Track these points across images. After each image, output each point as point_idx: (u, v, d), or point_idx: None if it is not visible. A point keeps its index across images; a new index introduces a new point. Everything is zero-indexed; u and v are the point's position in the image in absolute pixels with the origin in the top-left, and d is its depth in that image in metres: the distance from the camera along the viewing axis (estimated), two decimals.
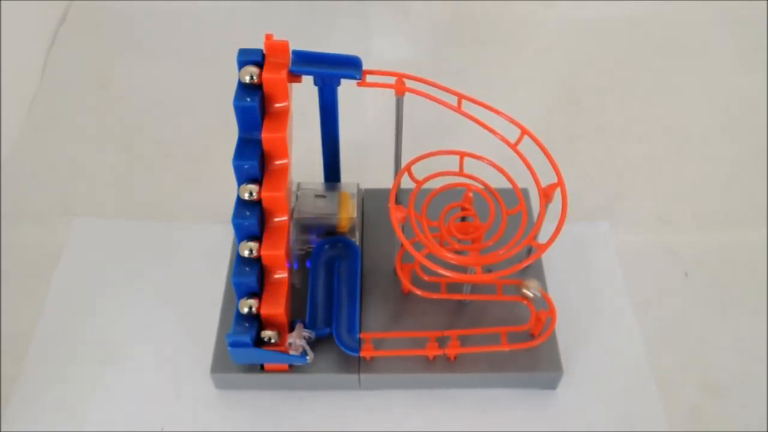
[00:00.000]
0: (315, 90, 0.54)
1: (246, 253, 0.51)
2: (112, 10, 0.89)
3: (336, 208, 0.60)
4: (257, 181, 0.50)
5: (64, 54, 0.84)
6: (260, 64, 0.50)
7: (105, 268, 0.64)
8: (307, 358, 0.53)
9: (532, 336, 0.56)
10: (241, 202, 0.50)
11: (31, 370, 0.58)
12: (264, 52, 0.50)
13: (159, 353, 0.59)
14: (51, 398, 0.57)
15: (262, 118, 0.51)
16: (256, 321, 0.52)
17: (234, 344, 0.50)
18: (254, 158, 0.49)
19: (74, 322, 0.61)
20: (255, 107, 0.49)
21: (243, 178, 0.50)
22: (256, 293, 0.52)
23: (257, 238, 0.51)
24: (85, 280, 0.64)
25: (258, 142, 0.50)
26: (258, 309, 0.51)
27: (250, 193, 0.50)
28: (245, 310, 0.51)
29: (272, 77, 0.50)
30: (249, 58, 0.50)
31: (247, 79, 0.49)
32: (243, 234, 0.51)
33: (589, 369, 0.58)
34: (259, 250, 0.51)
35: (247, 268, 0.51)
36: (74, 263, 0.65)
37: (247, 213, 0.50)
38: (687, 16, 0.89)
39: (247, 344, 0.50)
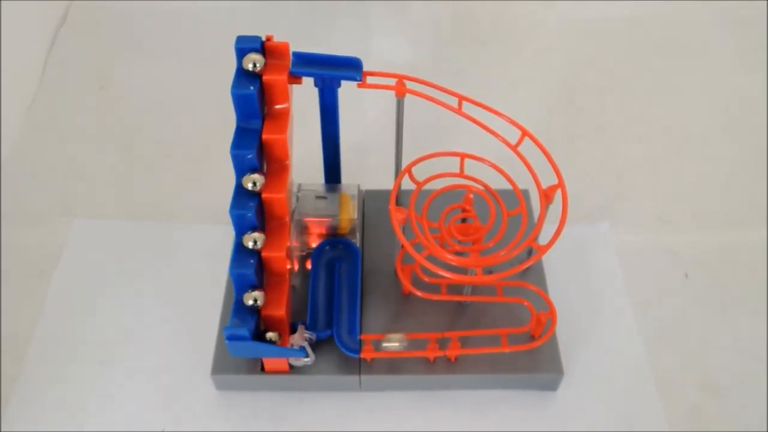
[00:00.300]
0: (315, 91, 0.54)
1: (250, 245, 0.50)
2: (112, 10, 0.89)
3: (336, 209, 0.60)
4: (258, 171, 0.50)
5: (64, 54, 0.84)
6: (260, 52, 0.50)
7: (105, 268, 0.64)
8: (308, 359, 0.53)
9: (532, 337, 0.56)
10: (239, 193, 0.50)
11: (31, 370, 0.58)
12: (263, 40, 0.50)
13: (159, 354, 0.59)
14: (51, 398, 0.57)
15: (261, 107, 0.50)
16: (254, 314, 0.51)
17: (231, 337, 0.50)
18: (252, 147, 0.49)
19: (74, 322, 0.61)
20: (253, 95, 0.49)
21: (241, 167, 0.50)
22: (257, 286, 0.51)
23: (258, 229, 0.51)
24: (85, 280, 0.64)
25: (257, 131, 0.50)
26: (262, 302, 0.51)
27: (254, 183, 0.50)
28: (250, 302, 0.51)
29: (273, 79, 0.50)
30: (248, 45, 0.49)
31: (250, 66, 0.49)
32: (242, 226, 0.50)
33: (589, 369, 0.58)
34: (263, 242, 0.51)
35: (247, 260, 0.50)
36: (74, 263, 0.65)
37: (249, 204, 0.49)
38: (687, 16, 0.89)
39: (246, 337, 0.50)
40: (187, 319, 0.61)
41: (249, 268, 0.50)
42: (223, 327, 0.51)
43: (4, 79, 0.73)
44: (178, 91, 0.80)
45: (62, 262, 0.65)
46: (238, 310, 0.51)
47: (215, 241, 0.65)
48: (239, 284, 0.51)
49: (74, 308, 0.62)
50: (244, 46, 0.49)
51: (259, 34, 0.51)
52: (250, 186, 0.50)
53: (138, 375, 0.58)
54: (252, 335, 0.50)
